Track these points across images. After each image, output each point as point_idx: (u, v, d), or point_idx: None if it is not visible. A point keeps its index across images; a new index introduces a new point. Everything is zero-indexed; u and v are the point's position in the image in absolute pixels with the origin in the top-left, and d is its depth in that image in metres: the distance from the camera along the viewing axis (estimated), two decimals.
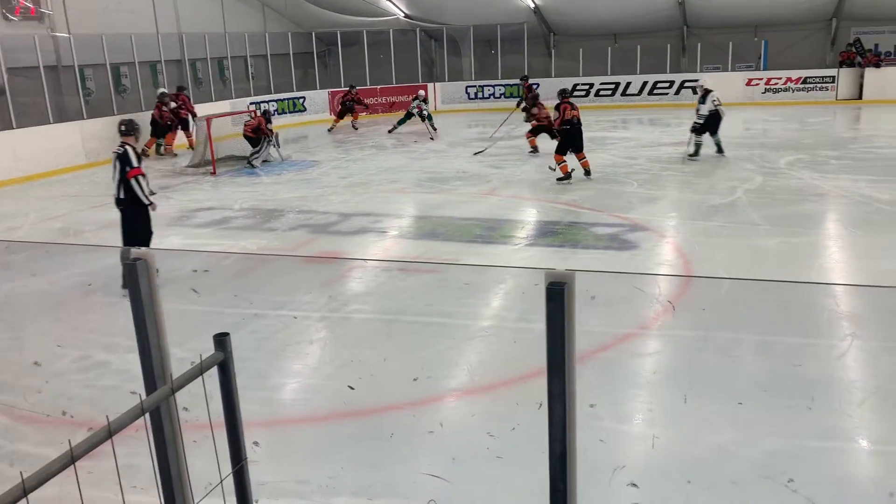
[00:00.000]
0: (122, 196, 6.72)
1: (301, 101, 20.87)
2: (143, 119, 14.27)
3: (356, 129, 18.69)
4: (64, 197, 11.67)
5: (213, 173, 13.21)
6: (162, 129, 15.42)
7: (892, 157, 12.50)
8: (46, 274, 7.45)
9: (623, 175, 11.47)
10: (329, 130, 18.67)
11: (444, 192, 10.95)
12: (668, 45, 21.48)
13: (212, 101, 18.03)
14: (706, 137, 12.58)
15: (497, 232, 8.59)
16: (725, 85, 18.80)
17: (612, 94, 21.72)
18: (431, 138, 16.40)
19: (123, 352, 5.10)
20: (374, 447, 4.00)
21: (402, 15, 22.89)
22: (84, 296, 6.80)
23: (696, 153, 12.58)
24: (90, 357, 5.31)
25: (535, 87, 17.71)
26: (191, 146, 15.43)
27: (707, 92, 12.47)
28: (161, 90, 15.78)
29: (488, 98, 22.37)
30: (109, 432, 1.57)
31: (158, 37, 17.21)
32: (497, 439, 3.92)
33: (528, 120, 13.63)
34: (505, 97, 21.69)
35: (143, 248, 1.96)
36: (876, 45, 20.93)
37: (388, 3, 22.37)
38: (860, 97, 19.93)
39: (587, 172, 11.22)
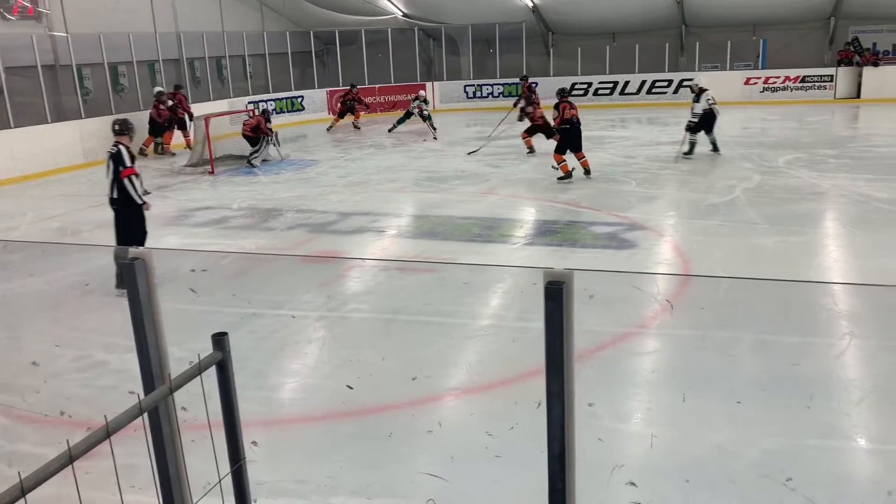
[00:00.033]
0: (115, 196, 6.70)
1: (299, 100, 20.84)
2: (141, 118, 14.27)
3: (357, 128, 18.67)
4: (62, 196, 11.65)
5: (212, 172, 13.20)
6: (160, 127, 15.40)
7: (891, 155, 12.52)
8: (44, 274, 7.44)
9: (621, 174, 11.48)
10: (328, 130, 18.65)
11: (442, 191, 10.95)
12: (667, 45, 21.51)
13: (210, 100, 18.01)
14: (701, 136, 12.60)
15: (496, 231, 8.59)
16: (724, 84, 18.85)
17: (611, 94, 21.73)
18: (434, 138, 16.41)
19: (121, 351, 5.09)
20: (373, 446, 4.00)
21: (401, 14, 22.87)
22: (82, 295, 6.79)
23: (690, 151, 12.60)
24: (88, 357, 5.30)
25: (534, 86, 17.70)
26: (188, 146, 15.42)
27: (701, 91, 12.49)
28: (158, 89, 15.76)
29: (487, 97, 22.36)
30: (108, 432, 1.57)
31: (156, 36, 17.18)
32: (496, 438, 3.92)
33: (521, 119, 13.61)
34: (504, 96, 21.69)
35: (142, 248, 1.95)
36: (874, 44, 20.94)
37: (387, 2, 22.34)
38: (858, 96, 19.96)
39: (587, 171, 11.22)
